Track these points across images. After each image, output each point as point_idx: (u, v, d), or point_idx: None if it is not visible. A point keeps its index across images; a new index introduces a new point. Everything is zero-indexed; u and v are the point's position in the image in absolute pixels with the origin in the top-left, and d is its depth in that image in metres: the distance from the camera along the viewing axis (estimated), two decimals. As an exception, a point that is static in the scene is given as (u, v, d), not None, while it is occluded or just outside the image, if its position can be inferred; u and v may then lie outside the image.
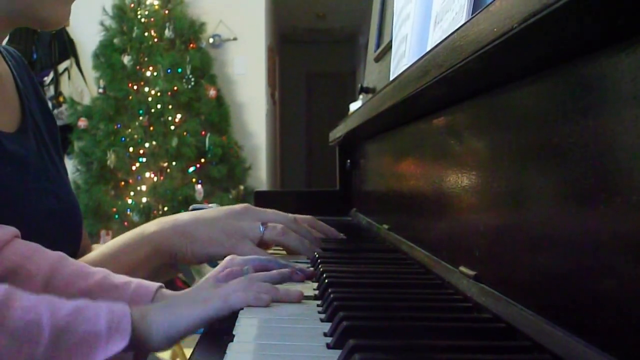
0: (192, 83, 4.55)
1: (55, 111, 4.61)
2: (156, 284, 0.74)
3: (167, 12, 4.60)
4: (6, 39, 0.90)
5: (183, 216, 0.96)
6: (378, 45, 1.43)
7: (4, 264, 0.72)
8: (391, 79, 0.97)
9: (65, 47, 4.78)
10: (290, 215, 1.00)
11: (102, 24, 4.59)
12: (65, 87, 4.77)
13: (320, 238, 1.03)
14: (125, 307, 0.61)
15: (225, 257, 0.82)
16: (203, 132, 4.53)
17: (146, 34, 4.53)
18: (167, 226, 0.94)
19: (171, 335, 0.63)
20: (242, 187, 4.70)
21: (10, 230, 0.74)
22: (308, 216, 1.06)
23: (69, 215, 0.93)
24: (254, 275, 0.74)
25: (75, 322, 0.57)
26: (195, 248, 0.92)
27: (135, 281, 0.74)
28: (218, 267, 0.79)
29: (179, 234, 0.93)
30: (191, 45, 4.63)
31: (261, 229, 0.94)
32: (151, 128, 4.47)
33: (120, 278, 0.75)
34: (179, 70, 4.52)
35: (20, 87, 0.93)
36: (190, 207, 1.05)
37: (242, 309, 0.65)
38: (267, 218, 0.96)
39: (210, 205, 1.05)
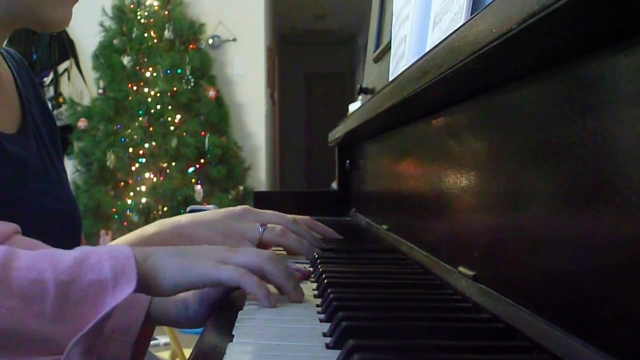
0: (192, 84, 4.55)
1: (55, 112, 4.61)
2: None
3: (166, 12, 4.61)
4: (6, 40, 0.91)
5: (182, 218, 0.96)
6: (377, 46, 1.43)
7: None
8: (390, 79, 0.97)
9: (65, 48, 4.79)
10: (289, 216, 1.00)
11: (101, 24, 4.60)
12: (65, 88, 4.77)
13: (319, 238, 1.04)
14: (127, 250, 0.60)
15: None
16: (202, 133, 4.54)
17: (146, 34, 4.54)
18: (167, 228, 0.94)
19: (179, 283, 0.63)
20: (241, 188, 4.70)
21: (11, 227, 0.74)
22: (306, 217, 1.06)
23: (69, 216, 0.93)
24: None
25: (79, 273, 0.56)
26: None
27: None
28: None
29: (178, 235, 0.93)
30: (191, 45, 4.64)
31: (260, 230, 0.94)
32: (151, 128, 4.47)
33: None
34: (179, 70, 4.53)
35: (20, 89, 0.93)
36: (188, 209, 1.05)
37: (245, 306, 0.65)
38: (266, 219, 0.97)
39: (208, 206, 1.05)
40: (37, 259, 0.56)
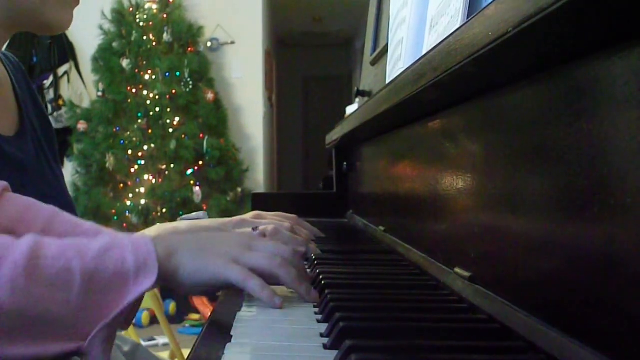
0: (190, 86, 4.55)
1: (55, 114, 4.61)
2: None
3: (165, 16, 4.60)
4: (6, 43, 0.91)
5: (182, 224, 0.99)
6: (374, 49, 1.44)
7: None
8: (387, 82, 0.98)
9: (65, 51, 4.79)
10: (288, 215, 1.03)
11: (101, 27, 4.59)
12: (65, 91, 4.77)
13: (312, 235, 1.06)
14: (150, 244, 0.61)
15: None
16: (201, 135, 4.53)
17: (145, 37, 4.54)
18: (167, 233, 0.95)
19: (195, 281, 0.65)
20: (239, 190, 4.70)
21: (0, 184, 0.74)
22: (293, 215, 1.08)
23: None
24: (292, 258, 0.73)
25: (104, 264, 0.58)
26: None
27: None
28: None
29: None
30: (189, 48, 4.64)
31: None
32: (150, 131, 4.47)
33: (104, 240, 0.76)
34: (177, 73, 4.52)
35: (18, 92, 0.94)
36: (179, 218, 1.07)
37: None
38: (259, 223, 1.00)
39: (199, 213, 1.07)
40: (65, 248, 0.58)
